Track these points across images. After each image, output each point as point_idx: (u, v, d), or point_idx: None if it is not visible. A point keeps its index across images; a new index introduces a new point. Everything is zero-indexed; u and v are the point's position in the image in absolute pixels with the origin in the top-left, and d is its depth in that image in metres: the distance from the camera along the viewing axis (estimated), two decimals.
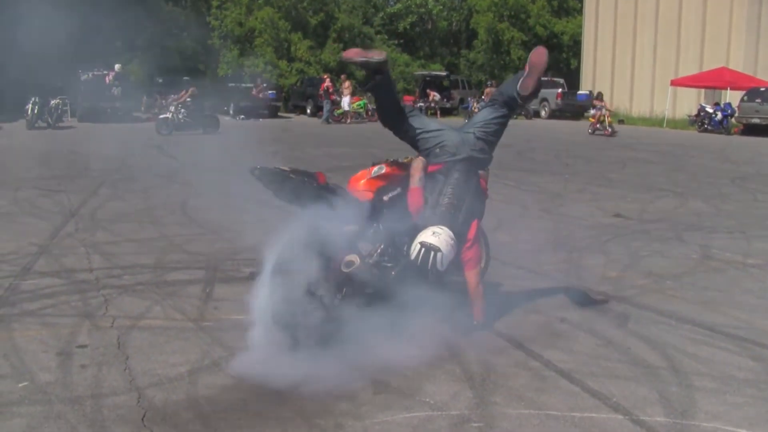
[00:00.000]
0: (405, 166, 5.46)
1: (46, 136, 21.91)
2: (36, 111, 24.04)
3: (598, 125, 26.79)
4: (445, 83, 36.02)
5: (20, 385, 4.26)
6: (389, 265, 5.20)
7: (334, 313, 4.75)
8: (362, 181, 5.39)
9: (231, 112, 31.05)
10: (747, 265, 7.31)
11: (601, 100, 27.94)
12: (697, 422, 3.88)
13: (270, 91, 32.57)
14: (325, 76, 32.90)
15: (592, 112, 27.90)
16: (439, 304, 4.98)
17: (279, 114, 33.86)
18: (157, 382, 4.33)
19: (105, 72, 28.25)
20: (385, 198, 5.33)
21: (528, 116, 32.83)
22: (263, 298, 4.61)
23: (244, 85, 33.07)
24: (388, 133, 5.54)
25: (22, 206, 9.98)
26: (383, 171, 5.42)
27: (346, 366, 4.43)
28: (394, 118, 5.35)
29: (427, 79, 36.25)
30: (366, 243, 5.24)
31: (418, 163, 5.31)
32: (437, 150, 5.26)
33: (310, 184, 5.03)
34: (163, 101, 25.54)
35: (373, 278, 4.99)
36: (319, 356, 4.50)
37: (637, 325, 5.49)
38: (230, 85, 33.23)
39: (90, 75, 28.17)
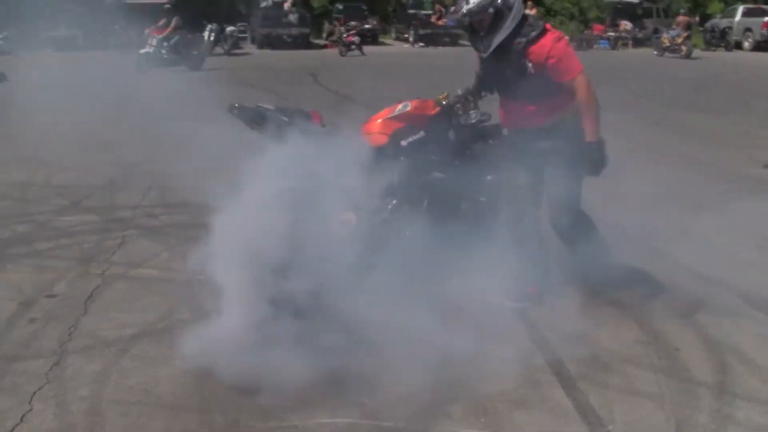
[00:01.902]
0: (436, 105, 4.63)
1: (224, 61, 22.36)
2: (212, 38, 24.65)
3: None
4: (638, 12, 32.93)
5: None
6: (402, 224, 4.39)
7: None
8: (378, 121, 4.60)
9: (411, 39, 30.39)
10: None
11: None
12: None
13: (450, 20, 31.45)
14: None
15: None
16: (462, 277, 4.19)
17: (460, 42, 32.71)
18: (89, 346, 3.86)
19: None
20: (403, 143, 4.50)
21: (728, 47, 29.29)
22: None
23: (424, 12, 32.13)
24: None
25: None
26: (407, 109, 4.60)
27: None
28: None
29: (618, 6, 33.30)
30: (374, 198, 4.46)
31: None
32: None
33: (294, 125, 4.24)
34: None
35: (375, 242, 4.15)
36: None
37: (708, 316, 4.28)
38: (410, 12, 32.41)
39: (270, 1, 28.48)
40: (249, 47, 28.17)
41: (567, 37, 4.30)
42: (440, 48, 28.80)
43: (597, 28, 31.56)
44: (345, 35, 25.26)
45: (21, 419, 3.18)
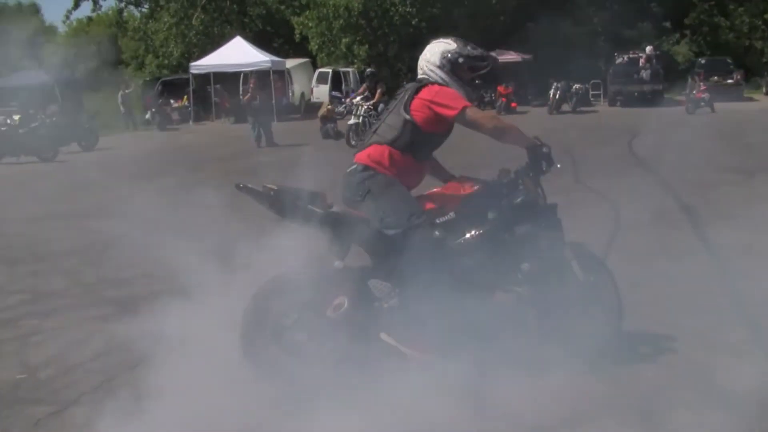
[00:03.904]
0: (475, 184, 4.33)
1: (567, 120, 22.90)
2: (557, 96, 25.35)
3: None
4: None
5: None
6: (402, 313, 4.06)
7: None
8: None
9: None
10: None
11: None
12: None
13: None
14: None
15: None
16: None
17: None
18: None
19: (640, 54, 28.04)
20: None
21: None
22: None
23: None
24: None
25: None
26: (435, 189, 4.41)
27: None
28: None
29: None
30: (380, 281, 4.13)
31: None
32: None
33: (304, 206, 4.04)
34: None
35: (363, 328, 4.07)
36: None
37: None
38: None
39: (624, 58, 28.33)
40: (601, 104, 28.31)
41: None
42: None
43: None
44: (695, 91, 24.11)
45: None
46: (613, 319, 4.41)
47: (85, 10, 78.28)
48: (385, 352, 4.03)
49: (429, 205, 4.22)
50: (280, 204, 4.06)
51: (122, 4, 37.22)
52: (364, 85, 19.15)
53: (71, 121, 20.44)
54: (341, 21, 33.28)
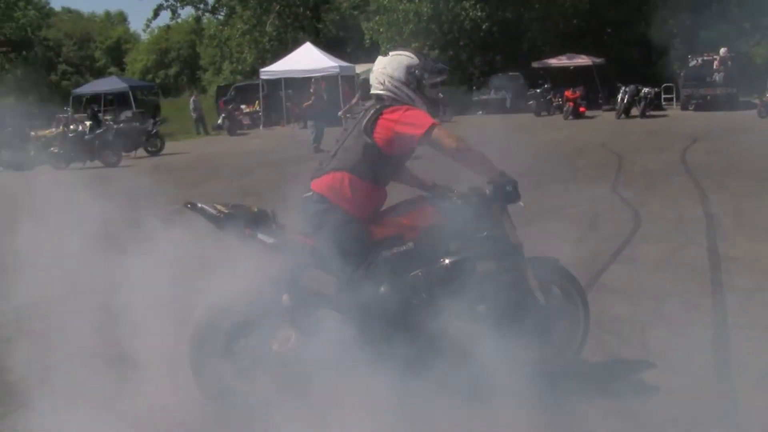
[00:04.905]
0: (439, 213, 4.04)
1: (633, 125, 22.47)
2: (625, 100, 24.82)
3: None
4: None
5: None
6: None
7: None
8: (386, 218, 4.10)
9: None
10: None
11: None
12: None
13: None
14: None
15: None
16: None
17: None
18: None
19: (714, 57, 27.14)
20: (386, 253, 3.94)
21: None
22: None
23: None
24: None
25: None
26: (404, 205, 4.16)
27: None
28: None
29: None
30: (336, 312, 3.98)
31: None
32: None
33: (252, 234, 3.92)
34: None
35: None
36: None
37: None
38: None
39: (699, 61, 27.47)
40: (673, 108, 27.58)
41: None
42: None
43: None
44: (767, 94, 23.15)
45: None
46: (573, 345, 4.33)
47: (165, 18, 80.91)
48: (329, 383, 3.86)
49: (388, 232, 3.97)
50: (227, 229, 3.94)
51: (199, 12, 38.34)
52: None
53: (139, 127, 21.12)
54: (411, 26, 33.39)
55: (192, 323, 3.92)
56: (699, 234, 7.52)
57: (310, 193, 3.98)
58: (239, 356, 3.96)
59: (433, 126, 3.83)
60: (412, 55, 4.07)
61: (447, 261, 3.99)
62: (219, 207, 3.98)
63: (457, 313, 3.95)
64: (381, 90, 4.04)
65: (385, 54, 4.15)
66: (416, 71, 4.02)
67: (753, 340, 4.67)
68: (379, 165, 3.94)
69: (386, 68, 4.05)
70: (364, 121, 3.95)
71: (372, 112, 3.95)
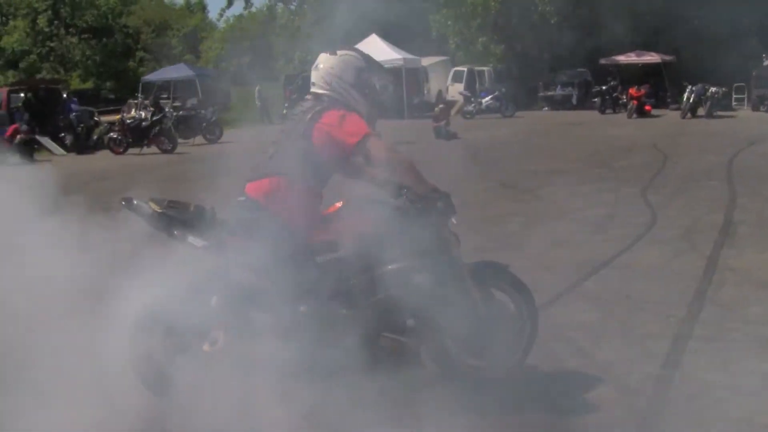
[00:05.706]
0: (374, 222, 3.92)
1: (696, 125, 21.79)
2: (691, 99, 24.05)
3: None
4: None
5: None
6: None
7: None
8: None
9: None
10: None
11: None
12: None
13: None
14: None
15: None
16: None
17: None
18: None
19: None
20: (318, 259, 3.88)
21: None
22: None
23: None
24: None
25: None
26: (339, 207, 4.09)
27: None
28: None
29: None
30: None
31: None
32: None
33: (182, 236, 3.87)
34: None
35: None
36: None
37: None
38: None
39: None
40: (743, 109, 26.59)
41: None
42: None
43: None
44: None
45: None
46: (516, 354, 4.21)
47: (239, 7, 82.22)
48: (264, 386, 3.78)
49: (322, 236, 3.88)
50: (159, 228, 3.90)
51: (272, 2, 38.78)
52: None
53: (198, 114, 21.54)
54: (479, 20, 33.08)
55: (128, 322, 3.89)
56: (706, 242, 7.25)
57: (243, 198, 3.89)
58: (172, 356, 3.93)
59: (367, 135, 3.73)
60: (358, 56, 3.98)
61: (381, 270, 3.86)
62: (153, 205, 3.91)
63: (387, 324, 3.90)
64: (326, 90, 3.93)
65: (333, 52, 4.00)
66: (365, 74, 3.95)
67: (707, 354, 4.50)
68: (317, 169, 3.85)
69: (334, 68, 3.93)
70: (303, 124, 3.84)
71: (310, 115, 3.84)
